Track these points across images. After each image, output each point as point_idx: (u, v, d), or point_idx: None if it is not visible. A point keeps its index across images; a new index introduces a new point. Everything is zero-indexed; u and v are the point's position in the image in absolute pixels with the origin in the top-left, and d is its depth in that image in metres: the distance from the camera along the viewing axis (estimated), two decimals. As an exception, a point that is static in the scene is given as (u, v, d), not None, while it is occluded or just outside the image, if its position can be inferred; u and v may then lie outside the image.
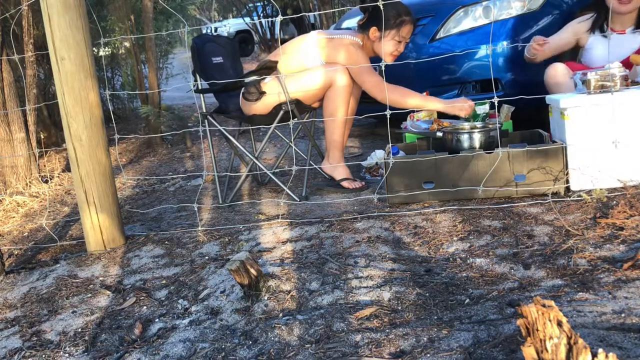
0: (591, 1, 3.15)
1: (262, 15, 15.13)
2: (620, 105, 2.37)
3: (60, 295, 2.11)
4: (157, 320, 1.82)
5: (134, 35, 5.07)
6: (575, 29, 3.03)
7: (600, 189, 2.29)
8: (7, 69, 3.90)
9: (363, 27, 3.01)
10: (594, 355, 0.94)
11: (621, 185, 2.35)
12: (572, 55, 3.16)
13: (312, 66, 2.97)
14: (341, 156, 3.05)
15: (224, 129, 3.05)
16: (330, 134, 3.01)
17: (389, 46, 2.98)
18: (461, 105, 2.85)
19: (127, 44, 5.97)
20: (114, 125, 3.83)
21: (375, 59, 3.02)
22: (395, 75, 3.67)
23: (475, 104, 3.18)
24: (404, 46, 3.05)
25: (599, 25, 2.96)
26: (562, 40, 3.03)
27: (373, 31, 2.96)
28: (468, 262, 1.92)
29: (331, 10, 4.13)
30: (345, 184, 2.99)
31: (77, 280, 2.23)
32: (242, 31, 16.18)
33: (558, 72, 2.89)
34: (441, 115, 3.38)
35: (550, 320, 0.98)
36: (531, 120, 3.15)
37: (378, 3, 2.51)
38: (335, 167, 3.03)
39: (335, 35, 3.01)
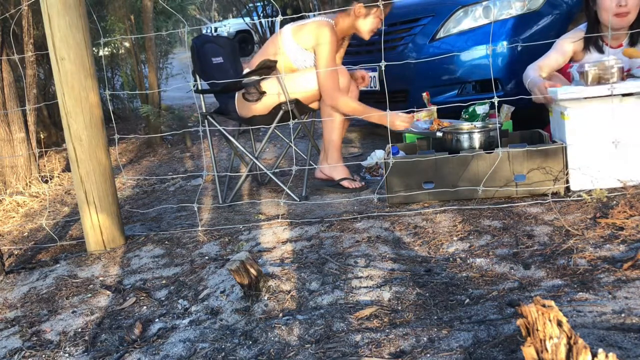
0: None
1: (262, 15, 15.13)
2: (620, 105, 2.38)
3: (60, 295, 2.11)
4: (157, 320, 1.83)
5: (134, 35, 5.07)
6: (569, 45, 2.89)
7: (600, 189, 2.29)
8: (7, 69, 3.90)
9: (346, 3, 2.98)
10: (594, 355, 0.94)
11: (621, 185, 2.35)
12: None
13: (294, 59, 2.97)
14: (339, 156, 3.06)
15: (224, 129, 3.05)
16: (328, 133, 3.02)
17: (371, 24, 2.98)
18: (399, 123, 2.85)
19: (127, 44, 5.97)
20: (114, 125, 3.84)
21: (364, 59, 3.02)
22: (395, 75, 3.68)
23: (475, 104, 3.19)
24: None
25: (594, 42, 2.84)
26: (556, 62, 2.90)
27: (359, 7, 2.95)
28: (468, 262, 1.92)
29: (331, 11, 4.13)
30: (345, 183, 2.99)
31: (77, 280, 2.23)
32: (242, 31, 16.18)
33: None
34: (441, 115, 3.38)
35: (550, 320, 0.98)
36: (531, 120, 3.15)
37: (378, 3, 2.51)
38: (334, 167, 3.03)
39: (307, 21, 3.02)
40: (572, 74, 2.80)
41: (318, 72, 2.90)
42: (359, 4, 2.94)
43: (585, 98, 2.44)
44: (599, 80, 2.44)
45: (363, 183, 3.01)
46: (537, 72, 2.86)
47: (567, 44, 2.90)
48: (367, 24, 2.97)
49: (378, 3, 2.84)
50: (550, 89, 2.60)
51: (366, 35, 3.02)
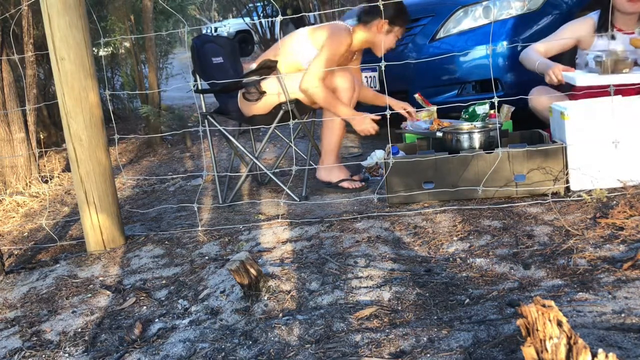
0: (591, 1, 3.12)
1: (262, 15, 15.12)
2: (620, 105, 2.38)
3: (60, 295, 2.12)
4: (157, 320, 1.83)
5: (134, 35, 5.07)
6: (576, 30, 2.90)
7: (600, 189, 2.29)
8: (7, 69, 3.90)
9: (368, 16, 2.97)
10: (594, 355, 0.94)
11: (621, 185, 2.35)
12: (571, 58, 3.11)
13: (302, 61, 2.96)
14: (335, 159, 3.04)
15: (224, 129, 3.05)
16: (329, 136, 3.01)
17: (389, 41, 2.99)
18: (364, 127, 2.91)
19: (127, 44, 5.97)
20: (114, 125, 3.83)
21: (364, 59, 3.00)
22: (395, 75, 3.68)
23: (475, 104, 3.19)
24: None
25: (605, 27, 2.81)
26: (561, 42, 2.91)
27: (383, 24, 2.95)
28: (468, 262, 1.92)
29: (331, 10, 4.14)
30: (344, 184, 2.98)
31: (77, 280, 2.23)
32: (242, 31, 16.17)
33: (542, 96, 2.87)
34: (441, 115, 3.38)
35: (550, 320, 0.98)
36: (531, 120, 3.15)
37: (378, 3, 2.51)
38: (331, 171, 3.02)
39: (325, 24, 3.03)
40: (586, 61, 2.79)
41: (315, 56, 2.88)
42: (383, 20, 2.94)
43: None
44: (614, 69, 2.46)
45: (363, 183, 3.00)
46: (537, 54, 2.85)
47: (569, 32, 2.87)
48: (385, 41, 2.98)
49: (378, 10, 2.84)
50: (567, 74, 2.60)
51: (380, 52, 3.02)
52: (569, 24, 2.95)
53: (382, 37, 2.96)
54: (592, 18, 2.90)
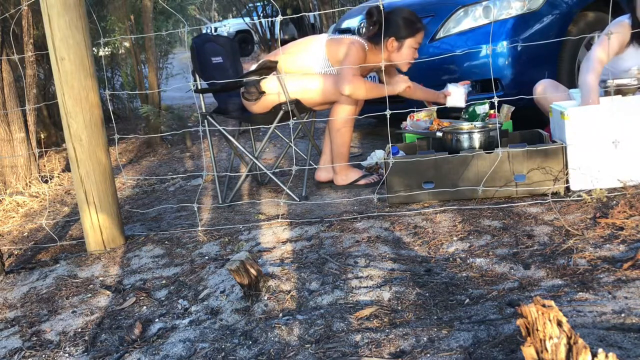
0: (592, 1, 3.10)
1: (262, 15, 15.12)
2: (620, 105, 2.38)
3: (60, 295, 2.12)
4: (157, 320, 1.83)
5: (134, 35, 5.07)
6: (621, 37, 2.70)
7: (600, 189, 2.29)
8: (7, 69, 3.90)
9: (373, 39, 2.96)
10: (594, 355, 0.94)
11: (621, 185, 2.35)
12: (572, 56, 3.07)
13: (313, 66, 2.96)
14: (347, 161, 3.06)
15: (224, 129, 3.05)
16: (338, 147, 3.01)
17: (407, 55, 2.97)
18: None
19: (127, 44, 5.97)
20: (114, 125, 3.83)
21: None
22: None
23: (475, 104, 3.19)
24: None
25: (637, 38, 2.69)
26: (612, 52, 2.71)
27: (391, 42, 2.95)
28: (468, 262, 1.92)
29: (331, 10, 4.14)
30: (362, 182, 3.00)
31: (77, 280, 2.23)
32: (242, 31, 16.19)
33: (547, 89, 2.85)
34: (441, 115, 3.39)
35: (550, 320, 0.98)
36: (531, 120, 3.15)
37: (379, 5, 2.51)
38: (347, 174, 3.03)
39: (344, 37, 3.01)
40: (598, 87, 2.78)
41: (341, 69, 2.89)
42: (391, 38, 2.93)
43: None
44: (617, 94, 2.52)
45: (377, 177, 3.02)
46: (597, 75, 2.65)
47: (621, 38, 2.70)
48: (401, 56, 2.97)
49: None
50: (574, 91, 2.59)
51: (404, 67, 3.04)
52: (614, 32, 2.69)
53: (396, 54, 2.96)
54: (626, 22, 2.73)
